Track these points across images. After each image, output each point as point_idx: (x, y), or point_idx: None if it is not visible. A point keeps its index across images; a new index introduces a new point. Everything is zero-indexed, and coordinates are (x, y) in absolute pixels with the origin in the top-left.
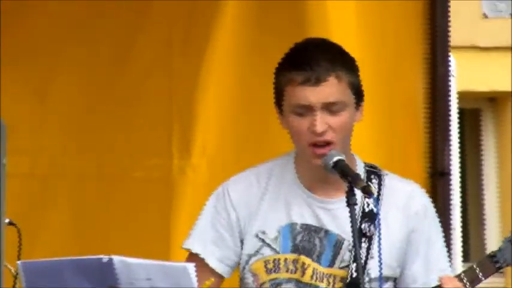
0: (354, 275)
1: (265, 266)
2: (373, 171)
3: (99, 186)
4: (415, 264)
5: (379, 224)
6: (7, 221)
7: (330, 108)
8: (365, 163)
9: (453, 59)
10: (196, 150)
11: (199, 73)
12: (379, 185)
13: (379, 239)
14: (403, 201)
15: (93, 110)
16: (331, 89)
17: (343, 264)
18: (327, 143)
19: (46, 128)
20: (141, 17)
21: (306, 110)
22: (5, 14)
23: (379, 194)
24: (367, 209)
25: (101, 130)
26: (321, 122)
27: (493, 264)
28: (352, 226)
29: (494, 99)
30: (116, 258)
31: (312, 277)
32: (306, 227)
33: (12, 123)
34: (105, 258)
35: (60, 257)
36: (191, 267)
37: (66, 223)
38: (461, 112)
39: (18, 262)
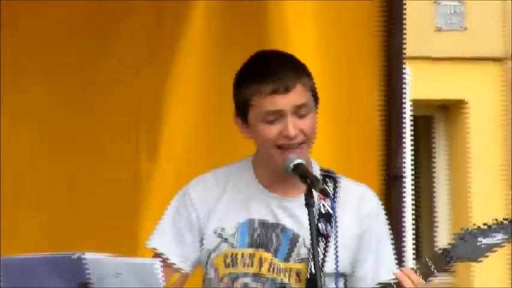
0: (313, 271)
1: (224, 261)
2: (328, 175)
3: (70, 186)
4: (366, 262)
5: (336, 223)
6: None
7: (298, 112)
8: (321, 167)
9: (409, 68)
10: (163, 154)
11: (167, 78)
12: (335, 187)
13: (336, 237)
14: (356, 202)
15: (64, 112)
16: (299, 94)
17: (298, 258)
18: (298, 145)
19: (18, 130)
20: (111, 22)
21: (277, 116)
22: None
23: (334, 196)
24: (323, 210)
25: (71, 132)
26: (293, 125)
27: (444, 258)
28: (310, 226)
29: (446, 107)
30: (87, 254)
31: (269, 270)
32: (264, 223)
33: None
34: (76, 254)
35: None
36: (158, 263)
37: (38, 222)
38: (415, 119)
39: None
